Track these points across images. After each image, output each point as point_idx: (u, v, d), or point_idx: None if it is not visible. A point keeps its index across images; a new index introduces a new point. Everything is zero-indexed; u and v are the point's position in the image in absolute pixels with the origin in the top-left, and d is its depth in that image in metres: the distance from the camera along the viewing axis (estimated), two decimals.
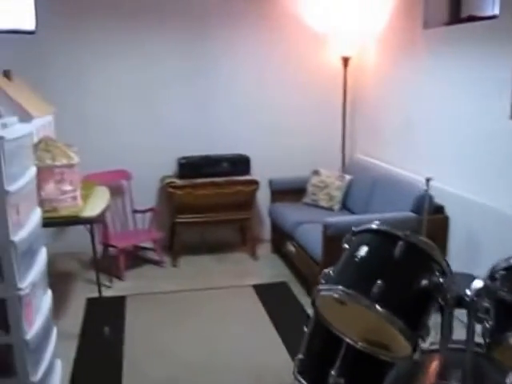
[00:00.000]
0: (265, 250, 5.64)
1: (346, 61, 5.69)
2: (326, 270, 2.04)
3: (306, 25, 5.71)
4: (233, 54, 5.67)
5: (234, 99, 5.75)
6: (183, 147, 5.63)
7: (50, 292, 3.46)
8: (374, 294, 1.84)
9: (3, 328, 2.84)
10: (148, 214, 5.52)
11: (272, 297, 4.53)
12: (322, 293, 1.99)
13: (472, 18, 4.16)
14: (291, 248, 4.77)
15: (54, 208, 3.94)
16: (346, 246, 2.10)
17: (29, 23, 5.23)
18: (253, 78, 5.75)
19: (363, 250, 2.01)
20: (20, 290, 2.82)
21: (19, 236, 2.88)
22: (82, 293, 4.69)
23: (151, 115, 5.64)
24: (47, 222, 3.84)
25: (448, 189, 4.23)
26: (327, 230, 3.98)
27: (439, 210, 4.23)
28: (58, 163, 3.93)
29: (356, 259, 1.99)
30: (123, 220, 5.64)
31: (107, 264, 5.05)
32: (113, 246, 5.08)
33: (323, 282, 2.01)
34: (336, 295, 1.93)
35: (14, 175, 2.93)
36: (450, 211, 4.21)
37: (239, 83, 5.74)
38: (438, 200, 4.23)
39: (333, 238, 3.87)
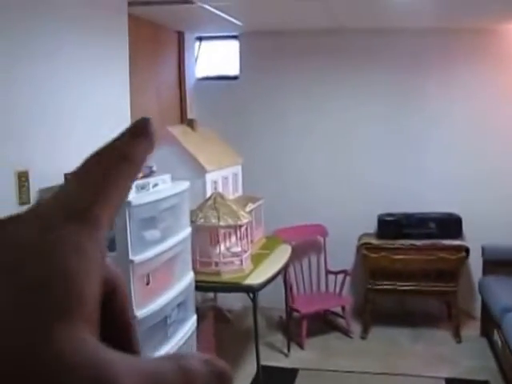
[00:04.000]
0: (473, 330, 4.76)
1: None
2: None
3: None
4: (447, 96, 5.00)
5: (445, 147, 5.06)
6: (387, 202, 5.08)
7: None
8: None
9: None
10: (341, 276, 5.02)
11: None
12: None
13: None
14: (498, 338, 3.88)
15: (215, 271, 3.70)
16: None
17: (233, 69, 5.32)
18: (470, 125, 5.00)
19: None
20: None
21: (147, 310, 2.67)
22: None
23: (351, 166, 5.24)
24: (206, 287, 3.67)
25: None
26: None
27: None
28: (222, 223, 3.69)
29: None
30: (315, 280, 5.26)
31: (290, 327, 4.69)
32: (296, 311, 4.69)
33: None
34: None
35: (147, 241, 2.74)
36: None
37: (453, 129, 5.04)
38: None
39: None
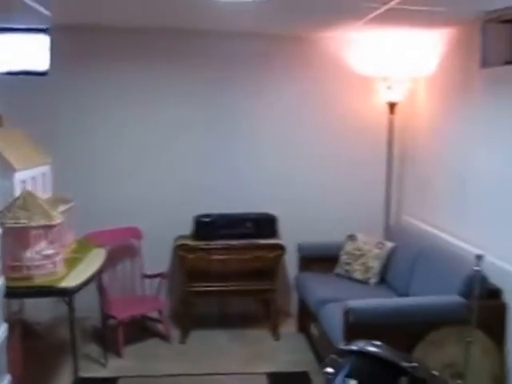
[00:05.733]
0: (290, 327, 5.03)
1: (392, 107, 5.15)
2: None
3: (346, 67, 5.22)
4: (260, 99, 5.23)
5: (260, 150, 5.30)
6: (203, 204, 5.18)
7: (7, 378, 3.03)
8: None
9: None
10: (158, 280, 5.01)
11: None
12: None
13: None
14: (315, 331, 4.16)
15: (27, 276, 3.51)
16: (330, 371, 1.54)
17: (41, 64, 5.03)
18: (283, 127, 5.28)
19: None
20: None
21: None
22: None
23: (166, 167, 5.24)
24: (17, 292, 3.48)
25: (508, 267, 3.56)
26: (349, 317, 3.38)
27: (495, 294, 3.57)
28: (34, 224, 3.51)
29: None
30: (131, 285, 5.18)
31: (106, 336, 4.58)
32: (112, 317, 4.60)
33: None
34: None
35: None
36: (509, 296, 3.54)
37: (267, 133, 5.29)
38: (495, 281, 3.58)
39: (356, 326, 3.30)
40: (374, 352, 1.51)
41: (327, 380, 1.53)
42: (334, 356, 1.60)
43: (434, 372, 1.41)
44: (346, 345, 1.61)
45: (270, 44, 5.11)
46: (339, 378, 1.49)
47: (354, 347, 1.57)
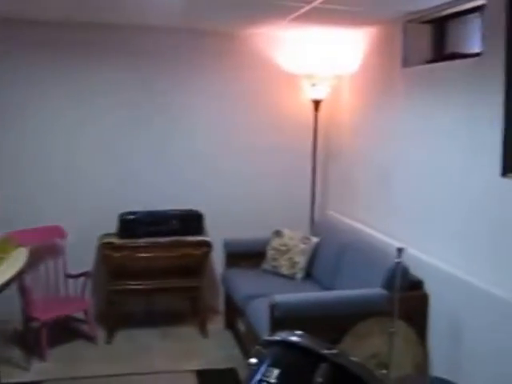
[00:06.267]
0: (217, 324, 5.07)
1: (316, 104, 5.26)
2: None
3: (274, 64, 5.32)
4: (187, 95, 5.24)
5: (186, 146, 5.31)
6: (128, 201, 5.15)
7: None
8: None
9: None
10: (82, 279, 4.94)
11: None
12: None
13: (455, 56, 3.75)
14: (242, 327, 4.21)
15: None
16: (253, 362, 1.58)
17: None
18: (209, 123, 5.33)
19: (273, 375, 1.48)
20: None
21: None
22: None
23: (90, 163, 5.15)
24: None
25: (429, 260, 3.74)
26: (274, 311, 3.45)
27: (417, 285, 3.72)
28: None
29: None
30: (55, 285, 5.08)
31: (29, 338, 4.50)
32: (34, 319, 4.50)
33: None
34: None
35: None
36: (430, 287, 3.70)
37: (194, 129, 5.31)
38: (417, 273, 3.74)
39: (282, 321, 3.38)
40: (295, 341, 1.56)
41: (251, 371, 1.58)
42: (258, 347, 1.65)
43: (354, 358, 1.48)
44: (270, 336, 1.66)
45: (200, 40, 5.14)
46: (262, 368, 1.54)
47: (277, 337, 1.62)
